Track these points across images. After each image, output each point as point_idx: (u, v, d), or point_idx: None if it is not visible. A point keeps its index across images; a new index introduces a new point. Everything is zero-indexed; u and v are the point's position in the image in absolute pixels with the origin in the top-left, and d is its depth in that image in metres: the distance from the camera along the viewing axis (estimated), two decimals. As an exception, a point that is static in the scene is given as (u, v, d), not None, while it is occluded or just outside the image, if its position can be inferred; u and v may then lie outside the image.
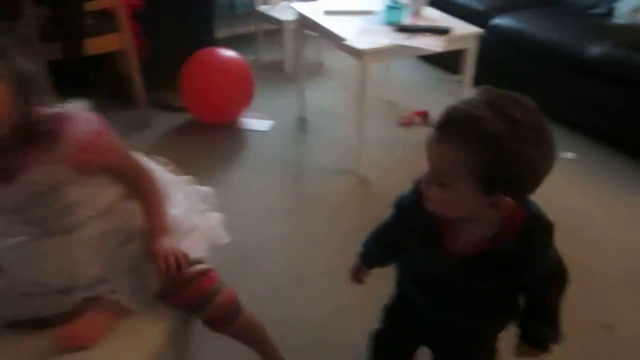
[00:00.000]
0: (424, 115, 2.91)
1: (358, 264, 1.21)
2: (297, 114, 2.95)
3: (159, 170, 1.25)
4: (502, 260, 0.90)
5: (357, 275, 1.22)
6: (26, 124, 0.97)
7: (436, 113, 2.80)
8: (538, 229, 0.90)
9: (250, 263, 1.90)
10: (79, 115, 1.04)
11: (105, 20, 2.55)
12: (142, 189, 1.14)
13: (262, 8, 3.42)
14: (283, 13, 3.32)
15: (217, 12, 3.32)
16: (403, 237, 1.03)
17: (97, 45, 2.47)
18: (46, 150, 0.99)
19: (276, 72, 3.46)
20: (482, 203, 0.82)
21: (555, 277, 0.98)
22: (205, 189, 1.34)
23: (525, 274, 0.93)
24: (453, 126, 0.80)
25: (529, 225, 0.89)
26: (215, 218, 1.30)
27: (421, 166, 2.65)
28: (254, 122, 2.86)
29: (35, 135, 0.98)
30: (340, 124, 2.90)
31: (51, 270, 1.07)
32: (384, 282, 1.16)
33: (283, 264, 1.95)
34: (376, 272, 1.20)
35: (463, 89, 2.48)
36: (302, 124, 2.91)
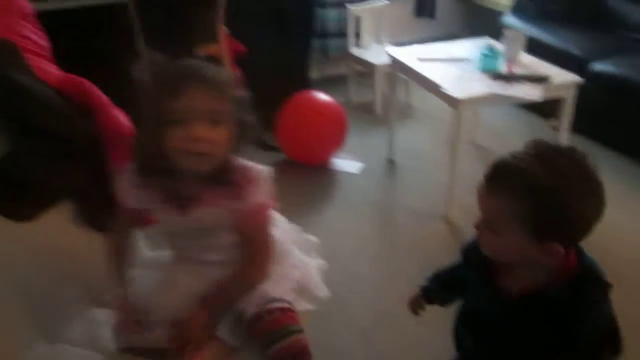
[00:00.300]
0: (516, 160, 2.85)
1: (417, 296, 1.22)
2: (386, 156, 2.99)
3: (279, 220, 1.32)
4: (552, 307, 0.90)
5: (415, 306, 1.23)
6: (224, 167, 1.08)
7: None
8: (591, 282, 0.90)
9: (337, 302, 1.93)
10: (264, 182, 1.13)
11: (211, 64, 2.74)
12: (250, 269, 1.18)
13: (355, 51, 3.53)
14: (375, 56, 3.41)
15: (312, 54, 3.47)
16: (464, 276, 1.07)
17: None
18: (224, 197, 1.09)
19: (366, 113, 3.53)
20: (532, 250, 0.85)
21: (606, 341, 0.94)
22: (310, 238, 1.40)
23: (574, 327, 0.90)
24: (501, 179, 0.85)
25: (581, 276, 0.90)
26: (316, 268, 1.33)
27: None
28: (345, 164, 2.93)
29: (224, 180, 1.09)
30: (429, 167, 2.90)
31: (177, 299, 1.15)
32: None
33: (369, 305, 1.97)
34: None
35: (560, 137, 2.42)
36: (391, 166, 2.95)
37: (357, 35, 3.55)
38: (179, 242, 1.20)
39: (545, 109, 3.35)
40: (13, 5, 1.40)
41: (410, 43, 2.91)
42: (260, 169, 1.14)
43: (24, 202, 1.31)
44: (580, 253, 0.91)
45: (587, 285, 0.90)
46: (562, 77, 2.28)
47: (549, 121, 3.31)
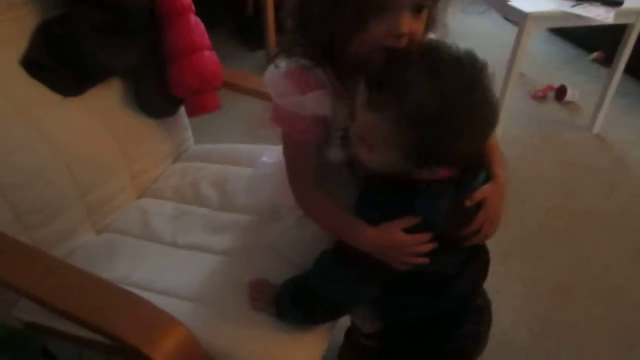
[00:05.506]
0: (559, 90, 2.73)
1: None
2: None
3: None
4: None
5: None
6: None
7: (573, 90, 2.60)
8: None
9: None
10: None
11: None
12: None
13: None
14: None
15: None
16: None
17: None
18: None
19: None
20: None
21: None
22: None
23: None
24: (383, 96, 0.70)
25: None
26: None
27: (554, 142, 2.51)
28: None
29: None
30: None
31: None
32: None
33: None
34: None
35: (615, 70, 2.29)
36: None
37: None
38: None
39: (584, 40, 3.21)
40: None
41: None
42: None
43: (70, 74, 1.17)
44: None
45: None
46: (634, 2, 2.11)
47: (590, 55, 3.18)
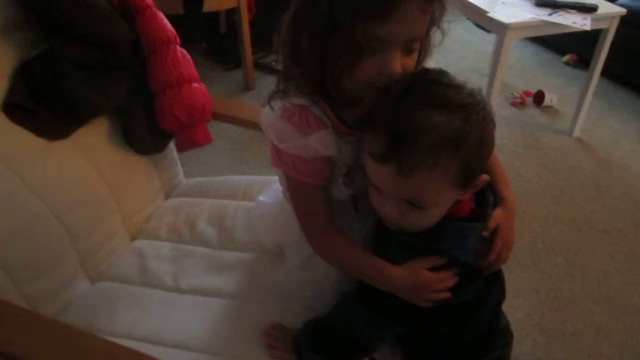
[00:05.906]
0: (536, 95, 2.76)
1: None
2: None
3: None
4: None
5: None
6: None
7: (550, 95, 2.61)
8: None
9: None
10: None
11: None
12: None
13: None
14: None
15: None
16: None
17: (214, 2, 2.41)
18: None
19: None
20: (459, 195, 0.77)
21: None
22: None
23: None
24: (420, 148, 0.67)
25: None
26: None
27: (537, 148, 2.52)
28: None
29: None
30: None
31: None
32: None
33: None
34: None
35: (593, 74, 2.31)
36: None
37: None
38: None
39: (556, 44, 3.26)
40: None
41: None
42: None
43: (55, 116, 1.11)
44: None
45: None
46: (607, 8, 2.14)
47: (563, 57, 3.23)
